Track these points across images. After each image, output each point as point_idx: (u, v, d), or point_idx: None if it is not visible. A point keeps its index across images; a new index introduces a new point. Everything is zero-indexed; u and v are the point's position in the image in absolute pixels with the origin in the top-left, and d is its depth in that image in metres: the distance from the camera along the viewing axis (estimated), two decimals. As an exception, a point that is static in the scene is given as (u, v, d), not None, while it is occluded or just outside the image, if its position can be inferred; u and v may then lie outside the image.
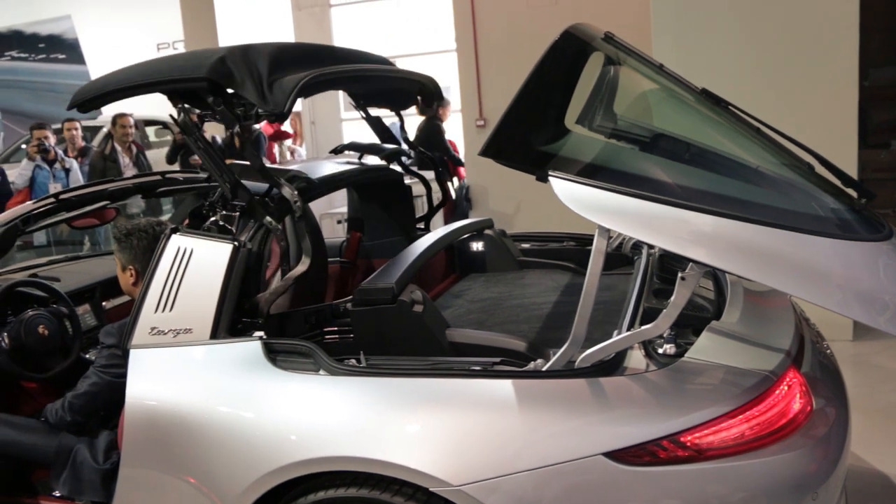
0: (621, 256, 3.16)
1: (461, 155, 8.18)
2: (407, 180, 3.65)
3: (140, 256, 2.60)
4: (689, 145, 2.35)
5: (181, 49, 11.33)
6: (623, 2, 6.81)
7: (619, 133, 2.45)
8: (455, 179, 7.87)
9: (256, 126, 8.18)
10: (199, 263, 2.36)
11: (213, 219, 2.50)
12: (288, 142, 9.97)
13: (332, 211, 7.23)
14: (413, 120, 7.22)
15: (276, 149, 9.54)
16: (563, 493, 1.86)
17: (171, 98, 2.49)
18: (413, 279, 2.55)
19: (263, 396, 2.17)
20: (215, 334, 2.30)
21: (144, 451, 2.30)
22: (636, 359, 2.06)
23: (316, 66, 2.55)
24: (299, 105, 9.61)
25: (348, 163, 3.43)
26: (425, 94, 3.27)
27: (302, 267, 2.52)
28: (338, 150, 3.67)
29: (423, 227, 3.65)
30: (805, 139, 2.41)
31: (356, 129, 10.87)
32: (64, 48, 12.89)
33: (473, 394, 2.01)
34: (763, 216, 1.86)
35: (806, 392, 2.01)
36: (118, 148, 7.70)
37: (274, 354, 2.25)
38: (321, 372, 2.17)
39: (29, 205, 3.09)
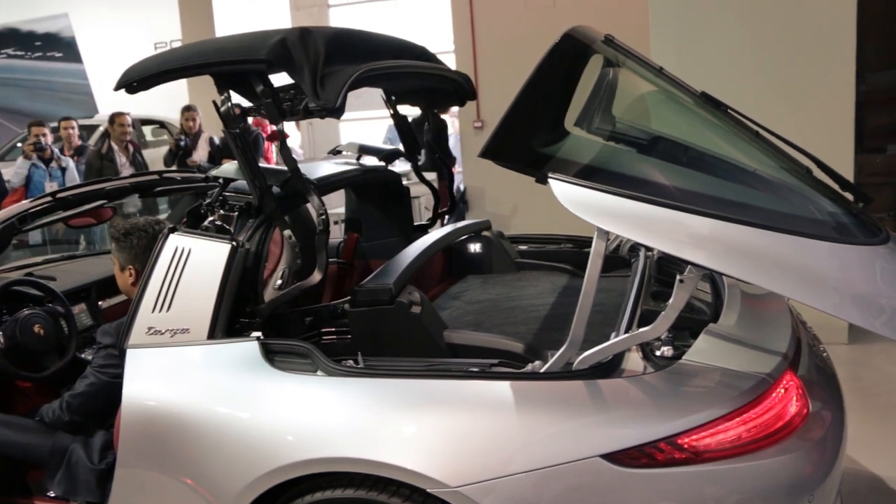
0: (619, 259, 3.16)
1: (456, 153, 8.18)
2: (405, 181, 3.65)
3: (140, 256, 2.58)
4: (687, 148, 2.36)
5: (178, 48, 11.27)
6: (621, 4, 6.82)
7: (617, 135, 2.46)
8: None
9: (254, 128, 8.20)
10: (196, 263, 2.36)
11: (210, 218, 2.50)
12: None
13: (329, 212, 7.21)
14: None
15: (273, 149, 9.52)
16: (561, 495, 1.86)
17: (219, 84, 2.39)
18: (411, 280, 2.55)
19: (261, 397, 2.17)
20: (212, 334, 2.30)
21: (140, 452, 2.30)
22: (634, 361, 2.06)
23: (365, 57, 2.46)
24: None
25: (346, 163, 3.43)
26: (462, 93, 3.18)
27: (314, 279, 2.52)
28: (336, 151, 3.67)
29: (430, 222, 3.64)
30: (802, 143, 2.42)
31: (354, 130, 10.88)
32: (60, 46, 12.84)
33: (471, 395, 2.01)
34: (761, 219, 1.87)
35: (802, 395, 2.02)
36: (115, 147, 7.68)
37: (271, 355, 2.25)
38: (319, 372, 2.16)
39: (25, 203, 3.07)
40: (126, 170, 7.49)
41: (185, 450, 2.20)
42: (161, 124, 11.04)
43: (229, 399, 2.20)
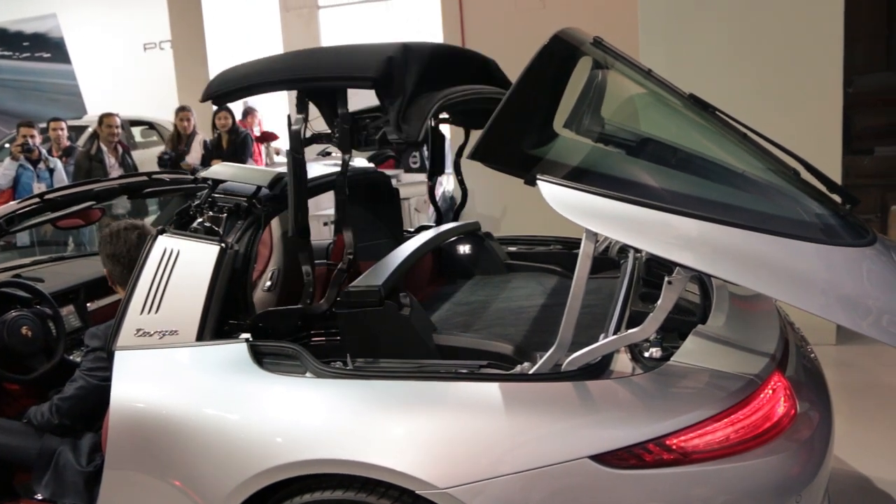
0: (608, 260, 3.17)
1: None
2: (395, 182, 3.65)
3: (107, 260, 2.57)
4: (676, 150, 2.37)
5: (168, 49, 11.24)
6: (611, 4, 6.84)
7: (606, 137, 2.46)
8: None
9: (242, 128, 8.17)
10: (185, 265, 2.35)
11: (199, 220, 2.49)
12: (275, 143, 9.93)
13: (318, 213, 7.20)
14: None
15: (262, 150, 9.50)
16: (549, 496, 1.86)
17: (301, 102, 2.27)
18: (400, 282, 2.55)
19: (250, 398, 2.16)
20: (201, 336, 2.29)
21: (129, 454, 2.28)
22: (622, 362, 2.07)
23: (445, 79, 2.34)
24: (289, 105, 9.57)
25: (336, 165, 3.42)
26: None
27: (320, 308, 2.50)
28: (325, 153, 3.66)
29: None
30: (790, 145, 2.43)
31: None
32: (49, 47, 12.77)
33: (460, 397, 2.01)
34: (749, 221, 1.88)
35: (790, 396, 2.03)
36: (104, 148, 7.64)
37: (260, 356, 2.24)
38: (307, 374, 2.16)
39: (13, 205, 3.06)
40: (115, 171, 7.44)
41: (173, 452, 2.19)
42: (150, 125, 10.99)
43: (218, 401, 2.19)
